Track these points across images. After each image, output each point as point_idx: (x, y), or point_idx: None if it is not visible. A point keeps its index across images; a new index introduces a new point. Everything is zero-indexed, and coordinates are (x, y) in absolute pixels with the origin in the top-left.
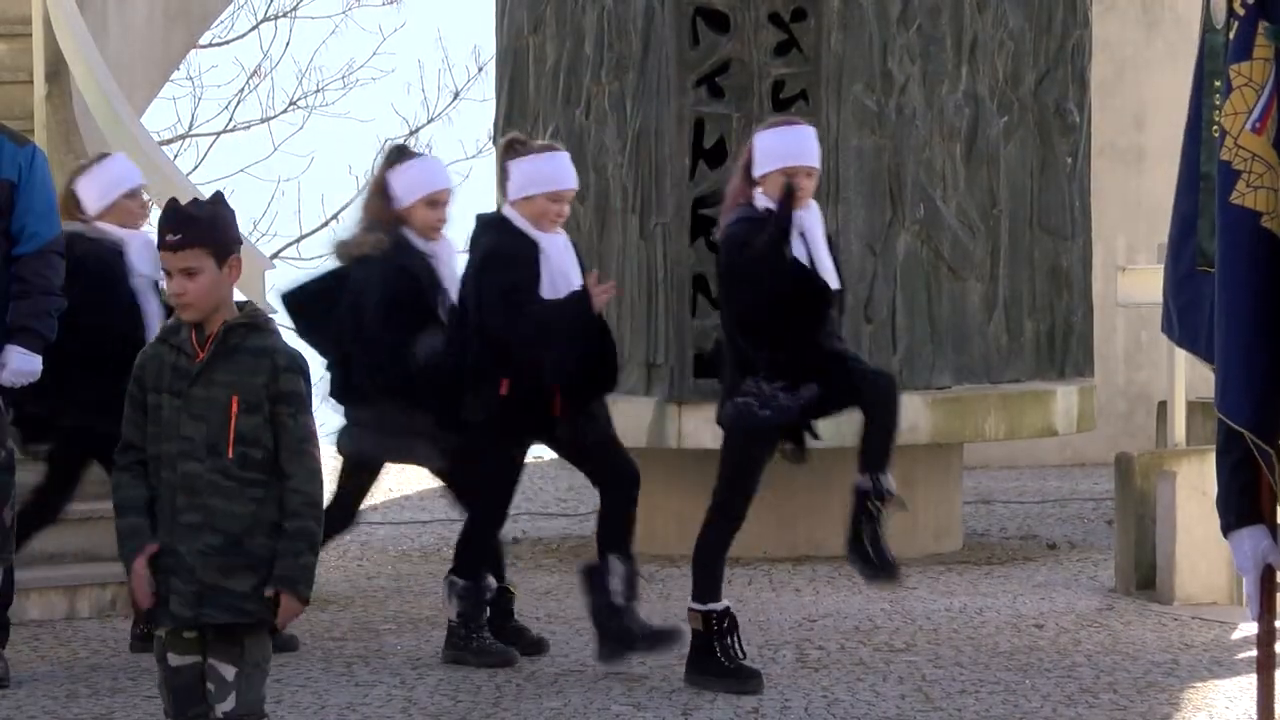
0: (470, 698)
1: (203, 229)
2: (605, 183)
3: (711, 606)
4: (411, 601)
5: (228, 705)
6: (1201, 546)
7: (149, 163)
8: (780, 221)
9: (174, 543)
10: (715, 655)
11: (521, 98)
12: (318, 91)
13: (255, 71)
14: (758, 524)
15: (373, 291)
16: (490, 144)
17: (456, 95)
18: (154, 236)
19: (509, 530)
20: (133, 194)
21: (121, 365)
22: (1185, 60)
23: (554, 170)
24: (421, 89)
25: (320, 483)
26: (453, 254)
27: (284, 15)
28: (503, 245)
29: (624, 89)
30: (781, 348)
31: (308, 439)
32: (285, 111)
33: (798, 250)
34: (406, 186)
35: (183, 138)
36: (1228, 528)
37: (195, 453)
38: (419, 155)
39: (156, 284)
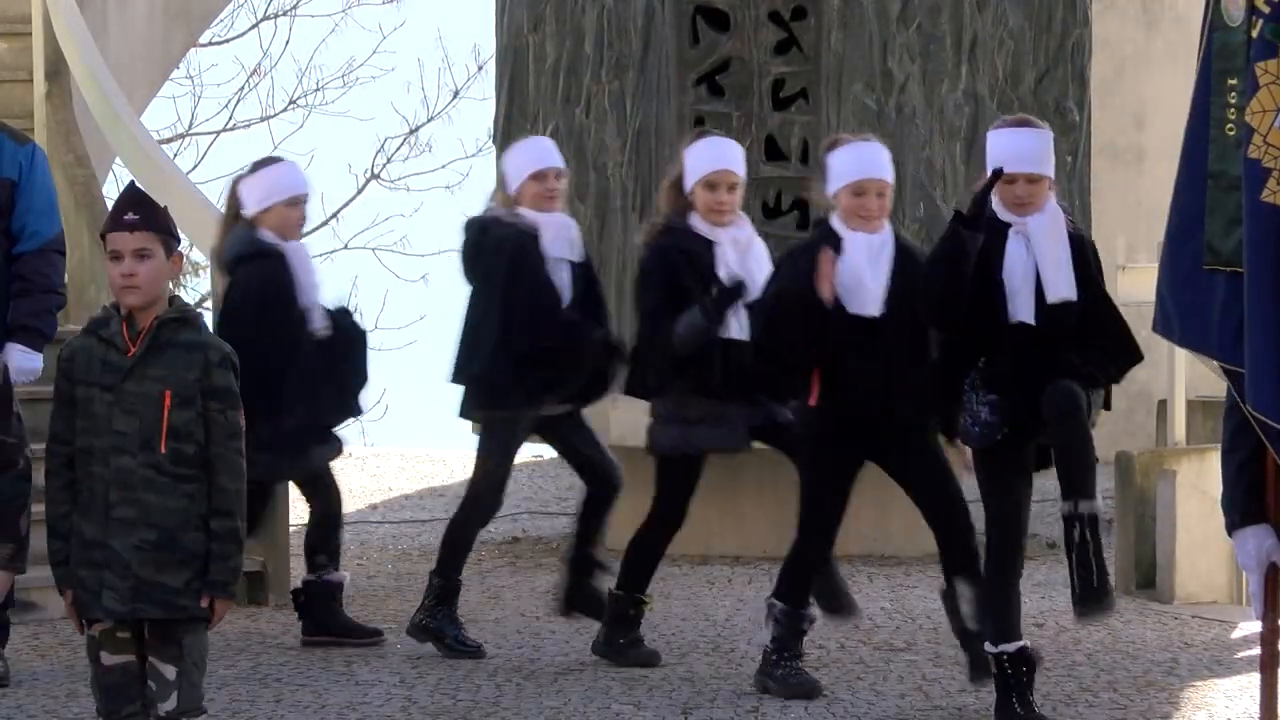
0: (470, 697)
1: (160, 216)
2: (605, 182)
3: (1005, 648)
4: (411, 600)
5: (170, 704)
6: (1201, 545)
7: (149, 162)
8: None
9: (107, 537)
10: (1011, 700)
11: (521, 96)
12: (318, 90)
13: (255, 70)
14: (759, 524)
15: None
16: (490, 143)
17: (456, 94)
18: (567, 219)
19: (509, 530)
20: (539, 175)
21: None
22: (1185, 59)
23: (849, 161)
24: (421, 87)
25: (245, 478)
26: (749, 238)
27: (284, 14)
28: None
29: (624, 88)
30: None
31: (236, 435)
32: (285, 110)
33: (1021, 262)
34: (690, 168)
35: (182, 136)
36: (1232, 526)
37: (128, 447)
38: (709, 135)
39: (568, 264)
